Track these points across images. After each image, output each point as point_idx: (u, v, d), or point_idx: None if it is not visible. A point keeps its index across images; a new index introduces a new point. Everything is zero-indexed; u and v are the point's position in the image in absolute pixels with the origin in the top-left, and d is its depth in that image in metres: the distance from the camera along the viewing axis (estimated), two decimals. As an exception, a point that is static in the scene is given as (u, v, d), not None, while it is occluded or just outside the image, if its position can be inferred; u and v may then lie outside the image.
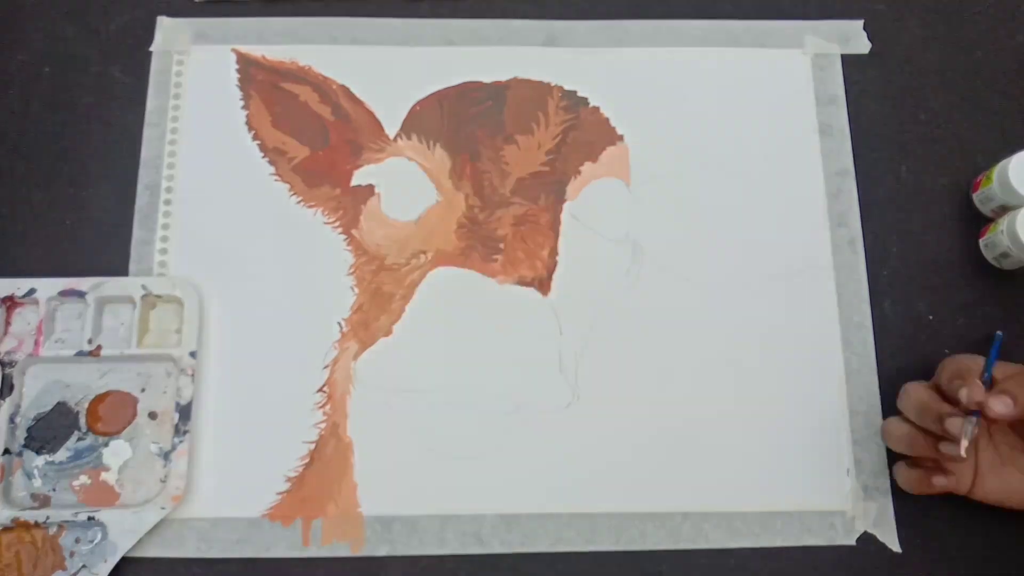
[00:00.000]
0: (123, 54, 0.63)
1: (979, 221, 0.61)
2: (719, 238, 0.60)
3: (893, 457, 0.56)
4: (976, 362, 0.51)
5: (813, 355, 0.58)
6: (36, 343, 0.55)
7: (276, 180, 0.60)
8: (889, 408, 0.57)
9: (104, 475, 0.54)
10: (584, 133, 0.62)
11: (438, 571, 0.54)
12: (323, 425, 0.56)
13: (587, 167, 0.61)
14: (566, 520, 0.55)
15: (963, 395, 0.48)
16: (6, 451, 0.54)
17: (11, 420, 0.54)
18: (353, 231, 0.60)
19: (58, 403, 0.55)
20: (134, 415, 0.55)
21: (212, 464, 0.55)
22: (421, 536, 0.54)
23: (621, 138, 0.62)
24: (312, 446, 0.55)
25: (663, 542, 0.55)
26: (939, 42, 0.66)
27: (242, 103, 0.62)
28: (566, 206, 0.60)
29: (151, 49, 0.63)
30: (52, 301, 0.56)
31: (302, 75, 0.63)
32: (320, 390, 0.57)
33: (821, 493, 0.56)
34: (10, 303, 0.56)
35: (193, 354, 0.56)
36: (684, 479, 0.56)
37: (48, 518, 0.52)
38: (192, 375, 0.55)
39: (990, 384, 0.50)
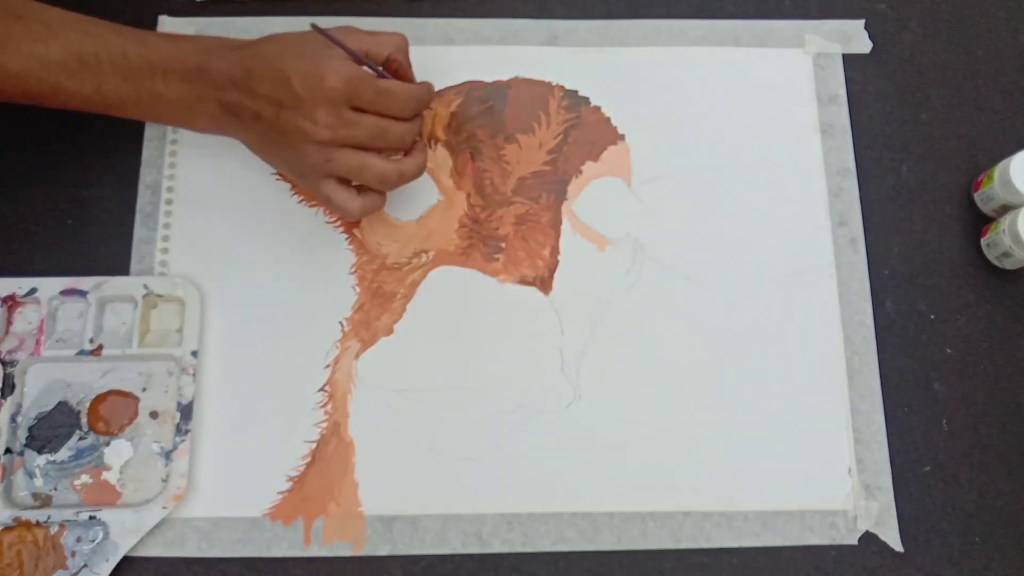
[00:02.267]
0: (124, 54, 0.63)
1: (980, 220, 0.61)
2: (720, 237, 0.60)
3: (893, 456, 0.56)
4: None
5: (814, 354, 0.58)
6: (37, 342, 0.55)
7: (278, 179, 0.60)
8: (890, 407, 0.57)
9: (105, 474, 0.54)
10: (585, 132, 0.62)
11: (439, 571, 0.54)
12: (324, 424, 0.56)
13: (588, 166, 0.61)
14: (567, 519, 0.55)
15: None
16: (7, 450, 0.54)
17: (12, 419, 0.54)
18: (354, 230, 0.60)
19: (59, 402, 0.55)
20: (135, 414, 0.55)
21: (213, 463, 0.55)
22: (422, 536, 0.54)
23: (622, 137, 0.62)
24: (313, 445, 0.55)
25: (664, 541, 0.55)
26: (940, 41, 0.66)
27: (243, 102, 0.62)
28: (567, 205, 0.60)
29: (152, 49, 0.63)
30: (53, 300, 0.56)
31: (303, 74, 0.62)
32: (321, 389, 0.57)
33: (823, 492, 0.56)
34: (11, 302, 0.56)
35: (194, 353, 0.56)
36: (685, 478, 0.56)
37: (49, 517, 0.52)
38: (193, 374, 0.55)
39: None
